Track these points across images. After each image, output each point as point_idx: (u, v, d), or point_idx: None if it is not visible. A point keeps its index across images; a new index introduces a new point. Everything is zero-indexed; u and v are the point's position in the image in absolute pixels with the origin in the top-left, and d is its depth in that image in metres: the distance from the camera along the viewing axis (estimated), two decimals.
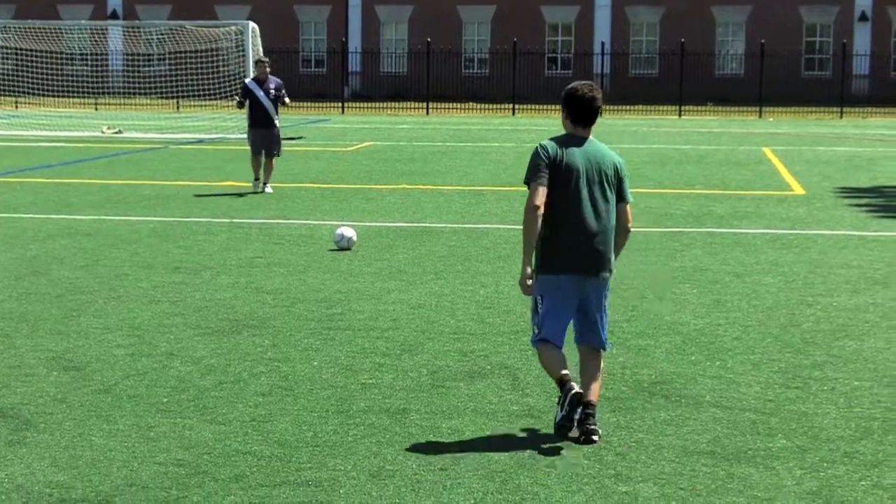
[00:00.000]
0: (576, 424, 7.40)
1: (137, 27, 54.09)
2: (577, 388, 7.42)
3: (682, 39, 56.54)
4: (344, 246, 14.80)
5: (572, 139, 7.66)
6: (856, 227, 17.32)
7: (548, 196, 7.49)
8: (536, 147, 7.63)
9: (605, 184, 7.61)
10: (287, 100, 21.94)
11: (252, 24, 35.80)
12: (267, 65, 22.24)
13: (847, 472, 6.92)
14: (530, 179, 7.53)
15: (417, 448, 7.25)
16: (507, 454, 7.14)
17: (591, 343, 7.72)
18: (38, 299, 11.71)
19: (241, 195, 20.75)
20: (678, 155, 30.93)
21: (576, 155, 7.58)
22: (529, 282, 7.54)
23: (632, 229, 7.79)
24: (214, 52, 43.06)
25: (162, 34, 48.56)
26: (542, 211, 7.46)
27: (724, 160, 29.32)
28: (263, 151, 21.50)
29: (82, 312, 11.09)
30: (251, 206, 19.27)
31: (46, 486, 6.56)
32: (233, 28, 39.42)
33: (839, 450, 7.30)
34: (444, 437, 7.47)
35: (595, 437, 7.39)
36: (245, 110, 22.40)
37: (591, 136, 7.70)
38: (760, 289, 12.45)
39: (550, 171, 7.51)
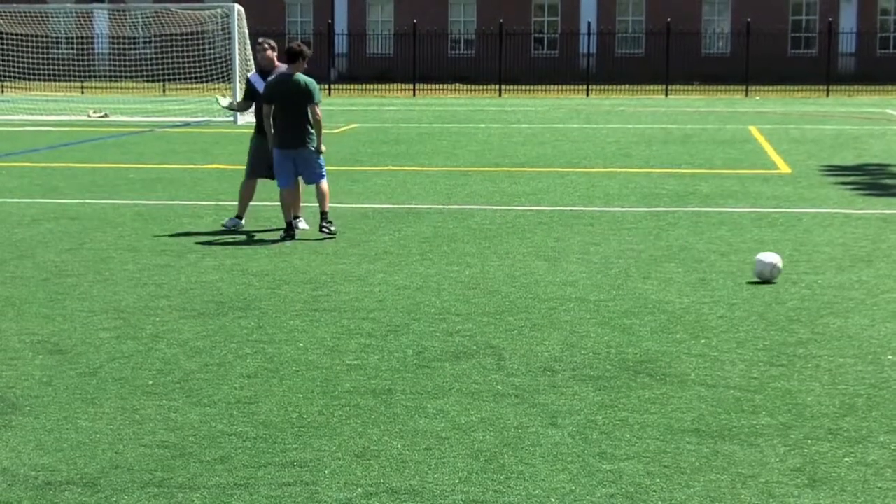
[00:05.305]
0: (296, 235, 14.11)
1: (123, 10, 53.88)
2: (294, 230, 14.16)
3: (669, 18, 56.56)
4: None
5: (285, 74, 13.98)
6: (841, 205, 17.34)
7: (274, 107, 13.96)
8: (266, 81, 14.28)
9: (301, 97, 13.88)
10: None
11: (238, 7, 35.64)
12: (270, 49, 15.17)
13: (831, 448, 6.93)
14: (265, 101, 14.04)
15: (402, 428, 7.26)
16: (491, 434, 7.15)
17: (312, 181, 14.30)
18: (23, 283, 11.70)
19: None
20: (664, 134, 30.93)
21: (287, 82, 13.90)
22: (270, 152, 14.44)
23: (321, 119, 14.12)
24: (200, 35, 42.97)
25: (147, 17, 48.42)
26: (270, 116, 13.97)
27: (710, 139, 29.32)
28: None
29: (67, 296, 11.08)
30: (237, 189, 19.18)
31: (32, 469, 6.56)
32: (218, 10, 39.29)
33: (823, 426, 7.32)
34: (430, 417, 7.48)
35: (333, 229, 14.19)
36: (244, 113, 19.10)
37: (295, 72, 13.89)
38: (745, 267, 12.45)
39: (273, 93, 13.96)
